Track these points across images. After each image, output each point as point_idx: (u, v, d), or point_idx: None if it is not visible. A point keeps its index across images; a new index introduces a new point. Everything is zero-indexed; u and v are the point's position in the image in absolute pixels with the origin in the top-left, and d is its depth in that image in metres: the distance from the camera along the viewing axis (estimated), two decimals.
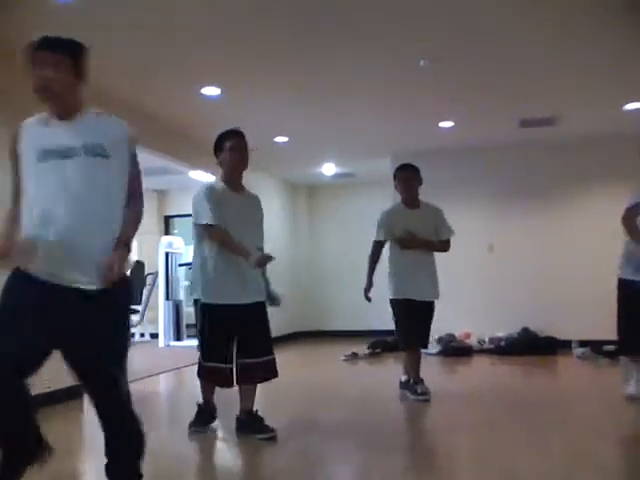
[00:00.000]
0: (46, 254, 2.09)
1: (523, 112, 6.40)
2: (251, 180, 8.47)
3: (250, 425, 3.46)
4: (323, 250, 10.28)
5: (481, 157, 7.78)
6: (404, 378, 4.63)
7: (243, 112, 6.08)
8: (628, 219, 3.95)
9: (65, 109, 2.19)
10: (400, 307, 4.49)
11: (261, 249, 3.65)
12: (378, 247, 4.76)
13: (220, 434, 3.68)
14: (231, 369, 3.45)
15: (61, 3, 3.80)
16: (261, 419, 3.48)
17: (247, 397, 3.53)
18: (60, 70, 2.14)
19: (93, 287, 2.10)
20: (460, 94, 5.76)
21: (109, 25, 4.11)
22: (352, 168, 9.04)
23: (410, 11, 4.02)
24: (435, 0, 3.90)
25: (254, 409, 3.53)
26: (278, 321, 9.03)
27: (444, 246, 4.64)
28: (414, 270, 4.47)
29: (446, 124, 6.76)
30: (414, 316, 4.44)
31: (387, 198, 8.43)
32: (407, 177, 4.61)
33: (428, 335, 4.60)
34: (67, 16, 3.91)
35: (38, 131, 2.19)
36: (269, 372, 3.51)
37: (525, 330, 7.25)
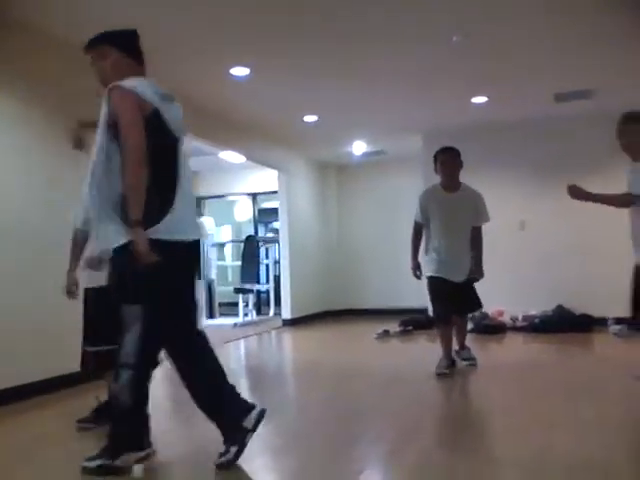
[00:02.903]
0: None
1: (558, 86, 6.24)
2: (280, 158, 8.53)
3: None
4: (353, 229, 10.25)
5: (514, 133, 7.64)
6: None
7: (272, 92, 6.07)
8: None
9: None
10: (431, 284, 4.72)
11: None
12: (417, 227, 4.78)
13: None
14: None
15: None
16: None
17: None
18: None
19: None
20: (493, 69, 5.64)
21: (131, 9, 4.11)
22: (382, 146, 8.96)
23: None
24: None
25: None
26: (309, 300, 9.19)
27: (476, 233, 4.69)
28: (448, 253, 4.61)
29: (479, 100, 6.64)
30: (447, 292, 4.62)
31: (417, 176, 8.38)
32: (448, 160, 4.60)
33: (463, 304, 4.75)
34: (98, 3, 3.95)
35: None
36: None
37: (559, 307, 7.16)
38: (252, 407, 2.60)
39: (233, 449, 2.53)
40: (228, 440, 2.56)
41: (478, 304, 4.78)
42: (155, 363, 2.67)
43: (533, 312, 7.22)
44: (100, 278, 2.99)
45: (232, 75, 5.50)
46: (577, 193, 3.78)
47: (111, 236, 2.46)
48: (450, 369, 4.59)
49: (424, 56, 5.24)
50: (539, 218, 7.55)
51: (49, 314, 4.27)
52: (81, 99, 4.00)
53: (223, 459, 2.53)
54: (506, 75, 5.83)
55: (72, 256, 3.33)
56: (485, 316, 7.15)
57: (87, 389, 4.00)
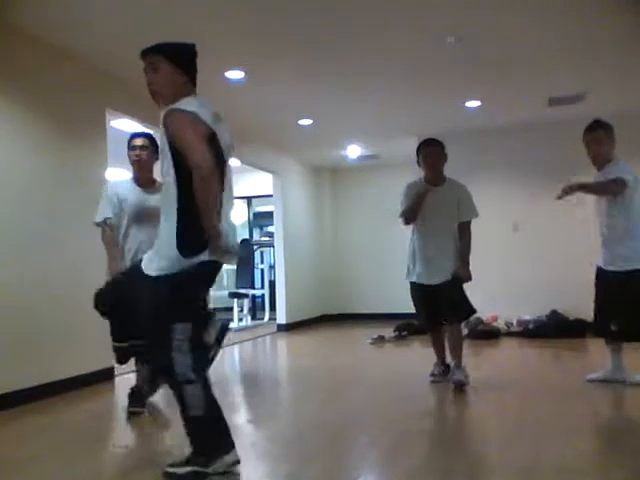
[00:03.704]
0: None
1: (551, 90, 6.26)
2: (275, 162, 8.52)
3: None
4: (348, 233, 10.24)
5: (508, 137, 7.66)
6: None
7: (267, 95, 6.06)
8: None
9: None
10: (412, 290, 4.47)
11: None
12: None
13: None
14: None
15: None
16: None
17: None
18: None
19: None
20: (486, 73, 5.66)
21: (132, 10, 4.09)
22: (376, 150, 8.97)
23: None
24: None
25: None
26: (304, 305, 9.17)
27: (463, 230, 4.31)
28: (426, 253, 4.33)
29: (472, 104, 6.65)
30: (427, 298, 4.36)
31: (412, 179, 8.34)
32: (432, 153, 4.35)
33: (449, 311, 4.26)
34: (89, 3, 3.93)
35: None
36: None
37: (554, 313, 7.16)
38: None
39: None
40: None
41: (468, 309, 4.28)
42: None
43: (527, 317, 7.22)
44: None
45: (227, 78, 5.48)
46: (571, 188, 3.91)
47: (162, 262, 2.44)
48: (443, 376, 4.48)
49: (418, 59, 5.25)
50: (533, 222, 7.57)
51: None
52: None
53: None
54: (499, 79, 5.84)
55: (111, 257, 3.53)
56: (480, 321, 7.15)
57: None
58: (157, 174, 3.03)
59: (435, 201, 4.26)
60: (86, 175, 4.82)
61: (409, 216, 4.30)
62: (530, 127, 7.48)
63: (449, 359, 4.45)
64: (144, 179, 3.81)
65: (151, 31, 4.40)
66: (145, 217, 3.62)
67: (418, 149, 4.44)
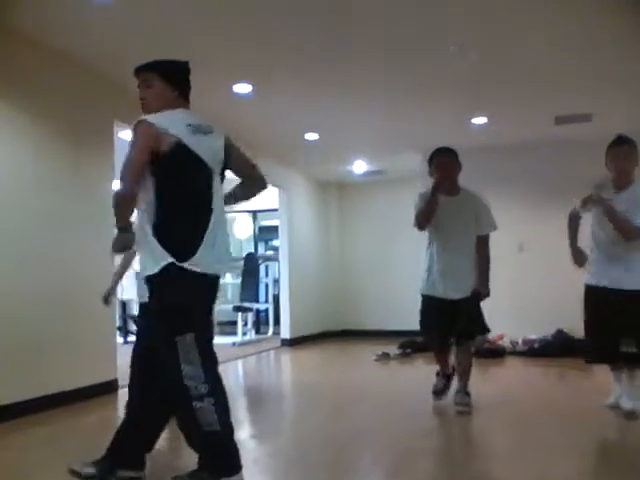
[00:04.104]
0: None
1: (558, 108, 6.26)
2: (281, 176, 8.53)
3: None
4: (353, 248, 10.22)
5: (513, 155, 7.63)
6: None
7: (274, 109, 6.09)
8: None
9: None
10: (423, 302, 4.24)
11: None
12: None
13: None
14: None
15: (97, 4, 3.82)
16: None
17: None
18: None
19: None
20: (493, 89, 5.66)
21: (142, 24, 4.13)
22: (382, 165, 8.98)
23: (442, 2, 3.96)
24: None
25: None
26: (308, 320, 9.13)
27: (482, 244, 4.10)
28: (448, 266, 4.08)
29: (479, 120, 6.65)
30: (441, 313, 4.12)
31: (422, 190, 8.33)
32: (445, 162, 4.10)
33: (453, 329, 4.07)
34: (103, 17, 3.96)
35: None
36: None
37: (559, 332, 7.10)
38: (142, 466, 2.66)
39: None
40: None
41: (481, 328, 4.13)
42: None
43: (533, 336, 7.16)
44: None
45: (235, 92, 5.51)
46: (599, 202, 3.70)
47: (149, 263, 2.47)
48: (445, 390, 4.30)
49: (424, 74, 5.26)
50: (538, 240, 7.52)
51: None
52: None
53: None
54: (506, 95, 5.84)
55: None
56: (486, 340, 7.10)
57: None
58: None
59: (451, 212, 4.04)
60: (93, 186, 4.83)
61: (421, 221, 4.04)
62: (537, 145, 7.46)
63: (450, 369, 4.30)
64: None
65: (153, 45, 4.45)
66: None
67: (430, 159, 4.21)
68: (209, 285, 2.54)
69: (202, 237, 2.45)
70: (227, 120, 6.36)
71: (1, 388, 3.89)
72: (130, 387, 2.76)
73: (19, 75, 4.22)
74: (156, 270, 2.40)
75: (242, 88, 5.45)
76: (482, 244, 4.13)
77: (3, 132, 4.09)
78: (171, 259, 2.37)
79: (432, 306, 4.12)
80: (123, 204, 2.42)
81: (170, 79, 2.59)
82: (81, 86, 4.73)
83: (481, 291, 4.08)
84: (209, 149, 2.56)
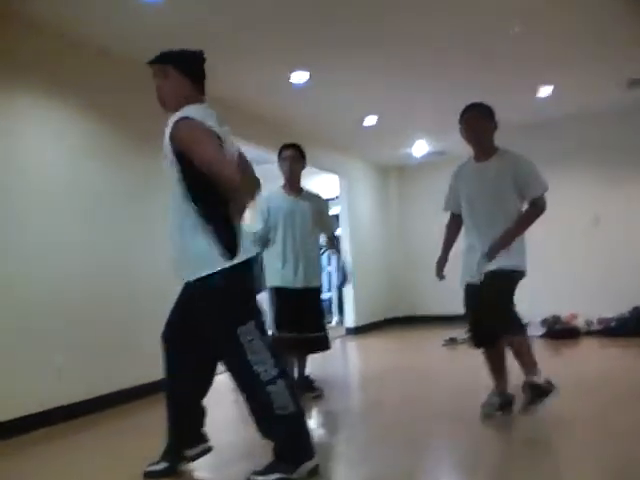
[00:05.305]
0: None
1: (631, 70, 5.88)
2: (340, 163, 8.48)
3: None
4: (415, 233, 10.06)
5: (584, 125, 7.28)
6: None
7: (331, 95, 6.04)
8: None
9: None
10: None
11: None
12: (449, 218, 3.82)
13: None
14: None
15: (145, 3, 3.88)
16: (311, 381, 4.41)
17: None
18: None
19: None
20: (559, 57, 5.38)
21: (192, 19, 4.16)
22: (443, 146, 8.77)
23: None
24: None
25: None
26: (372, 307, 9.06)
27: (533, 210, 3.34)
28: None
29: (544, 92, 6.34)
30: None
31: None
32: (470, 121, 3.53)
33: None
34: (150, 14, 4.02)
35: None
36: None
37: (637, 309, 6.80)
38: (204, 438, 2.76)
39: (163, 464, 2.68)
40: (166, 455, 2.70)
41: (509, 320, 3.29)
42: None
43: (609, 315, 6.88)
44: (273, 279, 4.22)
45: (292, 82, 5.50)
46: None
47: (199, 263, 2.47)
48: (504, 409, 3.43)
49: (486, 49, 5.08)
50: (614, 214, 7.18)
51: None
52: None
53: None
54: (572, 62, 5.54)
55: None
56: (557, 320, 6.88)
57: None
58: None
59: (482, 178, 3.42)
60: (152, 188, 4.86)
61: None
62: (609, 113, 7.06)
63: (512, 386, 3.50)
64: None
65: (203, 39, 4.48)
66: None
67: (459, 119, 3.66)
68: (250, 269, 2.57)
69: (236, 227, 2.52)
70: (284, 111, 6.39)
71: (80, 384, 4.05)
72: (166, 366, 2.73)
73: (105, 93, 4.42)
74: (214, 269, 2.41)
75: (299, 76, 5.42)
76: (531, 209, 3.37)
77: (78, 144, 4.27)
78: (225, 255, 2.41)
79: (466, 295, 3.58)
80: (244, 187, 2.48)
81: (186, 70, 2.60)
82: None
83: (491, 248, 3.35)
84: (231, 142, 2.59)
